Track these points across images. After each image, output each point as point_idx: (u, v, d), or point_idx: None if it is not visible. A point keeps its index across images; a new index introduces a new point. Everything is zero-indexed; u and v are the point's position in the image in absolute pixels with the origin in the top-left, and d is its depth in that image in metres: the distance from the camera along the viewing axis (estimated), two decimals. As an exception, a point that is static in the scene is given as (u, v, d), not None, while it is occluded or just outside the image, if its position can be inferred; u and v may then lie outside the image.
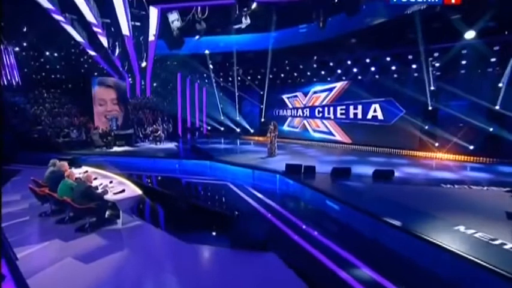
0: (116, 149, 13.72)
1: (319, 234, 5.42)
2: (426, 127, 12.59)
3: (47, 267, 4.17)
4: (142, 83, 19.66)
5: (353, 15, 7.80)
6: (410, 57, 12.21)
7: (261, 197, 7.70)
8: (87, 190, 5.31)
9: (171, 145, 15.36)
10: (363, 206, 5.82)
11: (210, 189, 8.84)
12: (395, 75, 13.22)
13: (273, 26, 10.54)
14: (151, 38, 11.06)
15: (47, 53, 15.79)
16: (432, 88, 12.14)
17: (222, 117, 20.06)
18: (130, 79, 17.67)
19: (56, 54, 16.19)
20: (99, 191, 5.58)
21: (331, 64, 14.24)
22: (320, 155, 12.90)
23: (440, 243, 4.27)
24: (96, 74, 15.56)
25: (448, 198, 6.67)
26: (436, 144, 12.36)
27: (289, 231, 5.60)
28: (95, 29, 10.53)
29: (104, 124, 14.92)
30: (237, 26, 9.55)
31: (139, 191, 5.60)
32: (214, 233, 5.36)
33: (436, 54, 11.48)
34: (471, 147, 11.51)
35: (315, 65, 14.62)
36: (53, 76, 17.40)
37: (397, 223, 5.01)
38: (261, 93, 18.28)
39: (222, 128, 20.20)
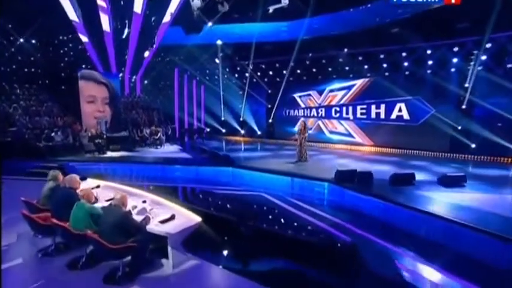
0: (110, 154, 11.55)
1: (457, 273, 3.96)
2: (459, 127, 11.70)
3: None
4: (133, 78, 17.43)
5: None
6: (452, 49, 11.10)
7: (329, 218, 6.09)
8: (123, 219, 3.48)
9: (175, 149, 13.38)
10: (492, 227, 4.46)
11: (247, 203, 7.14)
12: (425, 71, 12.14)
13: (308, 10, 9.03)
14: (166, 18, 9.18)
15: (22, 40, 13.22)
16: (467, 85, 11.27)
17: (223, 118, 18.31)
18: (121, 74, 15.42)
19: (33, 41, 13.64)
20: (135, 216, 3.77)
21: (359, 58, 12.90)
22: (352, 158, 11.59)
23: None
24: (83, 66, 13.21)
25: None
26: (473, 146, 11.47)
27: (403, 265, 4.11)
28: (99, 2, 8.48)
29: (93, 125, 12.68)
30: (274, 7, 8.01)
31: (197, 218, 3.84)
32: (316, 273, 3.71)
33: (488, 46, 10.37)
34: (513, 148, 10.70)
35: (340, 59, 13.24)
36: (26, 69, 14.78)
37: None
38: (269, 91, 16.74)
39: (224, 130, 18.43)
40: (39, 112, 12.51)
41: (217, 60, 14.52)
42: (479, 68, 10.81)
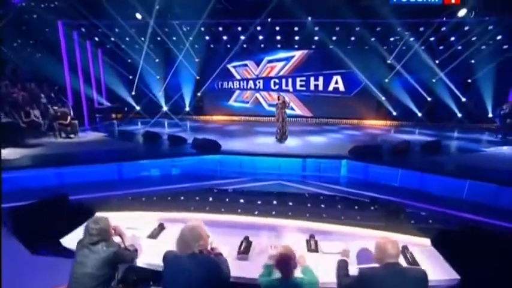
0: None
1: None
2: (383, 98, 13.64)
3: None
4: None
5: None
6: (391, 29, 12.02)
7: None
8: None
9: (98, 137, 9.53)
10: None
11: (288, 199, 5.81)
12: (362, 46, 12.95)
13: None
14: None
15: None
16: (389, 62, 13.04)
17: (134, 92, 14.55)
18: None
19: None
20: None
21: (304, 29, 12.39)
22: (316, 131, 11.56)
23: None
24: None
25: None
26: (394, 113, 13.69)
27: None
28: None
29: None
30: None
31: (416, 239, 2.52)
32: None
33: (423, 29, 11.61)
34: (419, 114, 13.46)
35: (295, 28, 12.26)
36: None
37: None
38: (196, 60, 14.27)
39: (138, 107, 14.73)
40: None
41: (138, 16, 10.80)
42: (404, 47, 12.54)
